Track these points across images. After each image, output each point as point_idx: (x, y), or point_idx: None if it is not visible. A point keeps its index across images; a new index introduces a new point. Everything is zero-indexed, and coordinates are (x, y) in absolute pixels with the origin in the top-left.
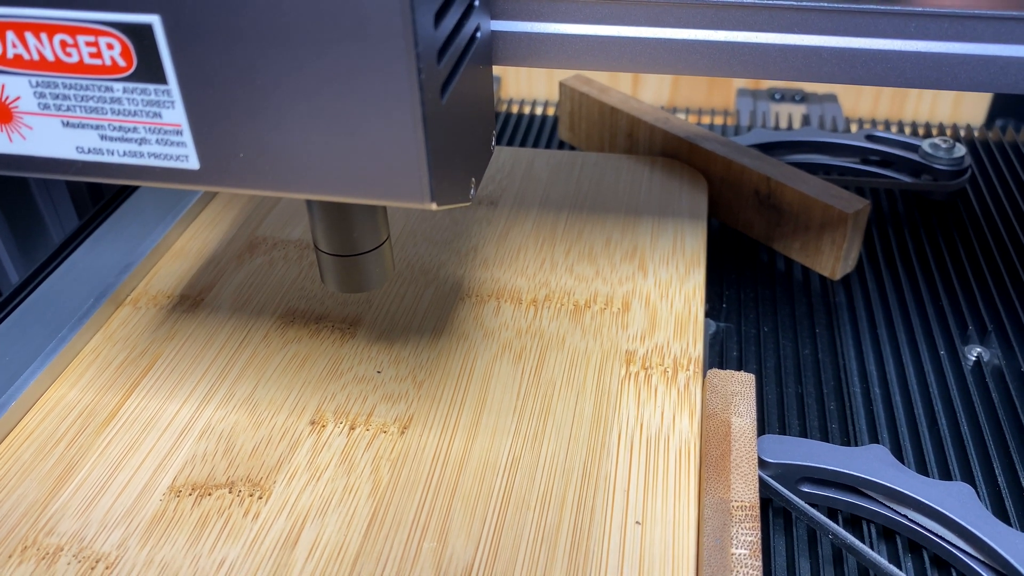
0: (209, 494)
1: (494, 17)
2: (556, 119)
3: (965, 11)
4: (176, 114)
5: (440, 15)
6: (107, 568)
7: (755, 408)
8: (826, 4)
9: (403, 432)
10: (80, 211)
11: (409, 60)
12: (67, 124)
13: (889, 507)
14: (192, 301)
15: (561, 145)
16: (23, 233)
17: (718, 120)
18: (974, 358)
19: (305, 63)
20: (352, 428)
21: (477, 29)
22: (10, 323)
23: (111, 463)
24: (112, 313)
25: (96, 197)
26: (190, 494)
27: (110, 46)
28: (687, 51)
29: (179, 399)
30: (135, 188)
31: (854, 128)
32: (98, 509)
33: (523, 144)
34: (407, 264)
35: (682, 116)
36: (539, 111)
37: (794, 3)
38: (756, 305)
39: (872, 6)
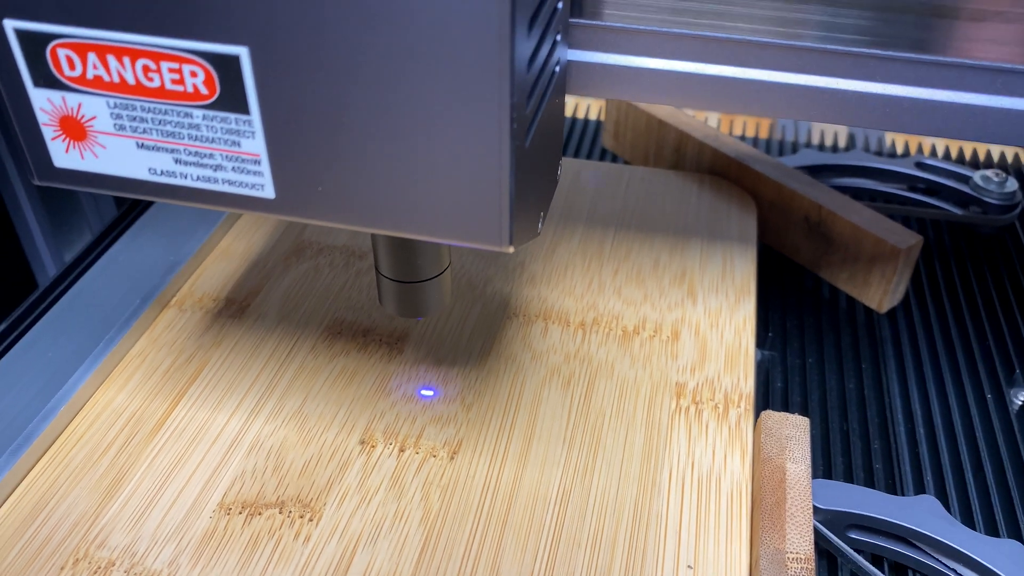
0: (259, 513)
1: (570, 47)
2: (598, 124)
3: None
4: (256, 144)
5: (533, 56)
6: None
7: (809, 453)
8: (911, 55)
9: (452, 457)
10: (119, 197)
11: (503, 108)
12: (142, 146)
13: (937, 559)
14: (238, 306)
15: (603, 153)
16: (59, 220)
17: (751, 124)
18: (1020, 402)
19: (393, 103)
20: (402, 450)
21: (558, 62)
22: (51, 318)
23: (161, 475)
24: (157, 315)
25: None
26: (240, 512)
27: (194, 74)
28: (763, 92)
29: (227, 410)
30: None
31: (899, 146)
32: (149, 523)
33: (565, 148)
34: (455, 278)
35: (713, 119)
36: (581, 108)
37: (879, 52)
38: (801, 334)
39: (956, 59)
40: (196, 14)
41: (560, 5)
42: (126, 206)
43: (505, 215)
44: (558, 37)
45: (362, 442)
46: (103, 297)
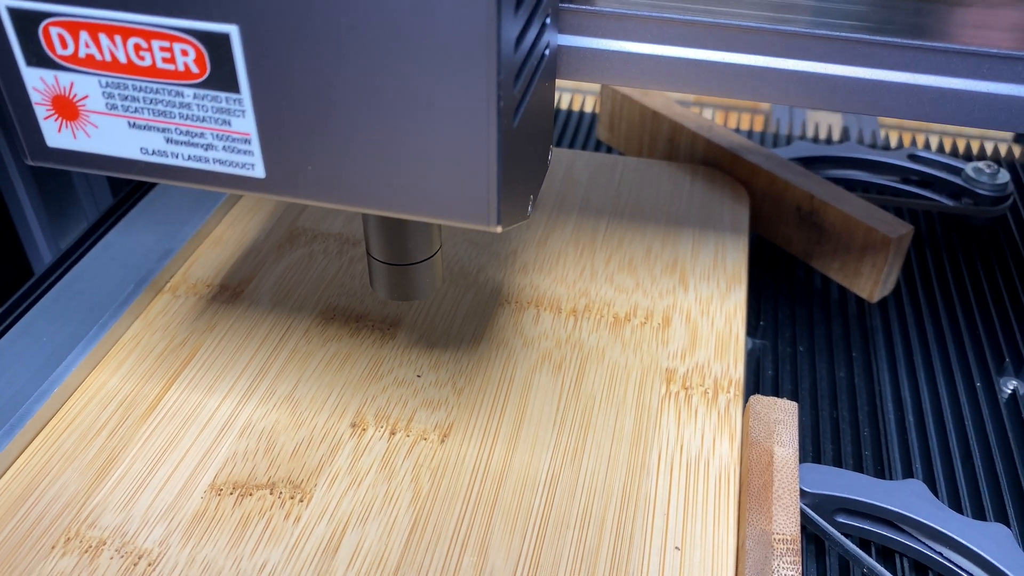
0: (250, 494)
1: (560, 31)
2: (593, 116)
3: None
4: (246, 123)
5: (520, 38)
6: (150, 565)
7: (797, 437)
8: (898, 40)
9: (443, 440)
10: (114, 186)
11: (490, 87)
12: (133, 125)
13: (923, 542)
14: (232, 292)
15: (598, 145)
16: (55, 207)
17: (745, 117)
18: (1009, 391)
19: (382, 83)
20: (392, 433)
21: (547, 46)
22: (47, 302)
23: (152, 456)
24: (151, 300)
25: None
26: (231, 493)
27: (184, 52)
28: (752, 77)
29: (220, 393)
30: None
31: (892, 137)
32: (140, 504)
33: (561, 140)
34: (448, 266)
35: (709, 111)
36: (576, 100)
37: (866, 37)
38: (793, 323)
39: (942, 44)
40: None
41: None
42: (122, 193)
43: (493, 194)
44: (547, 20)
45: (353, 425)
46: (98, 282)
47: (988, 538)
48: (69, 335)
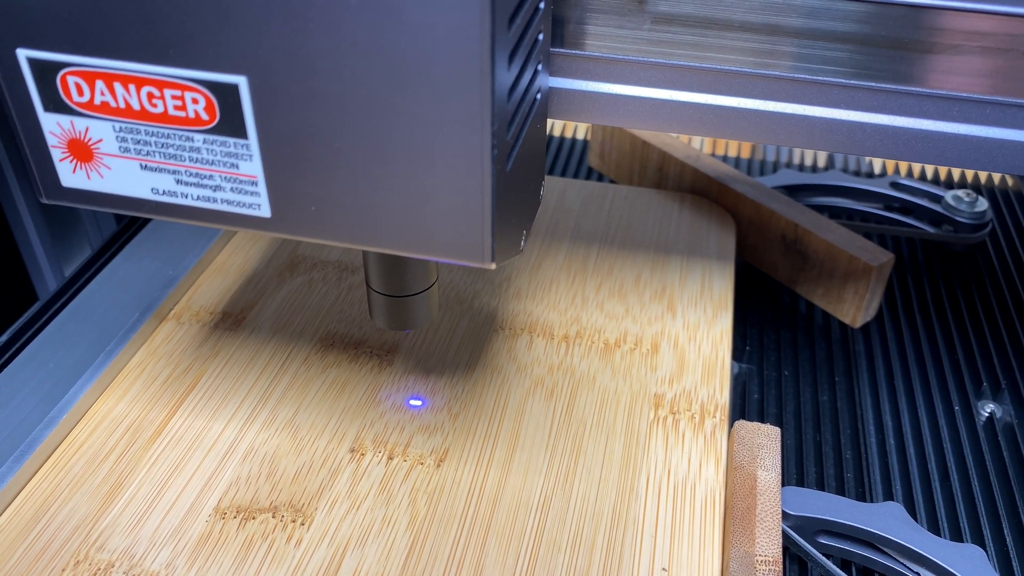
0: (253, 517)
1: (552, 74)
2: (585, 144)
3: (1009, 99)
4: (253, 167)
5: (513, 88)
6: None
7: (779, 461)
8: (873, 84)
9: (439, 465)
10: (118, 214)
11: (484, 136)
12: (145, 167)
13: (902, 563)
14: (234, 319)
15: (589, 172)
16: (60, 235)
17: (733, 145)
18: (987, 414)
19: (382, 130)
20: (390, 458)
21: (539, 90)
22: (53, 328)
23: (158, 481)
24: (156, 327)
25: None
26: (235, 516)
27: (195, 101)
28: (735, 118)
29: (223, 419)
30: None
31: (876, 164)
32: (147, 527)
33: (553, 167)
34: (443, 292)
35: (698, 140)
36: (569, 127)
37: (843, 81)
38: (778, 348)
39: (915, 88)
40: (198, 45)
41: (540, 38)
42: (125, 222)
43: (487, 234)
44: (539, 67)
45: (352, 450)
46: (103, 310)
47: (963, 559)
48: (76, 362)
